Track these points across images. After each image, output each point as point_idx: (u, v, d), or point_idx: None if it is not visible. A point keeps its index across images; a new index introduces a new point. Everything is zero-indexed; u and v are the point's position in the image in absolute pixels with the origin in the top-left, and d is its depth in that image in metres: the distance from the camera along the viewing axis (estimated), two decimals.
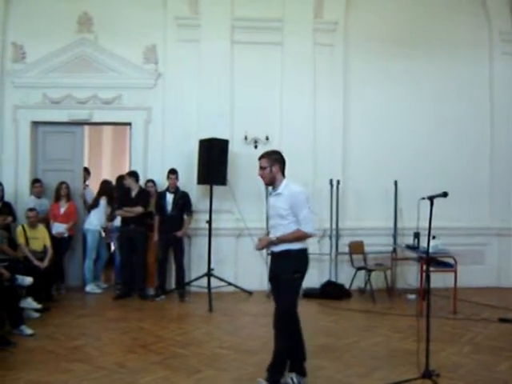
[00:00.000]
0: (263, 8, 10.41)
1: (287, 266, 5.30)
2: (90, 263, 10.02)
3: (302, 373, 5.48)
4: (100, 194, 10.31)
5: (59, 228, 9.76)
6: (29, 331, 7.11)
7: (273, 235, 5.35)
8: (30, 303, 8.05)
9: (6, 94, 10.28)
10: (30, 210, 9.22)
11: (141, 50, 10.40)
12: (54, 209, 9.89)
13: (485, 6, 10.92)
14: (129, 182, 9.73)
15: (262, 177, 5.46)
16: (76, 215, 10.07)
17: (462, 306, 8.77)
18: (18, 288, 7.70)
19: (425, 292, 6.95)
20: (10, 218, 9.32)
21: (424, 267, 8.30)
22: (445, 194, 5.42)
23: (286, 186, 5.33)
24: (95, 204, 10.19)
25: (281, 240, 5.27)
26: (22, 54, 10.27)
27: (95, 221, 10.09)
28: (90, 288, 9.93)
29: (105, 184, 10.54)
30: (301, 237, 5.25)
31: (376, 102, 10.69)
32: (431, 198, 5.44)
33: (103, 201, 10.21)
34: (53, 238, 9.49)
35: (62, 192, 9.89)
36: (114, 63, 10.34)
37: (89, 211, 10.18)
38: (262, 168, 5.42)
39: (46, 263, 8.94)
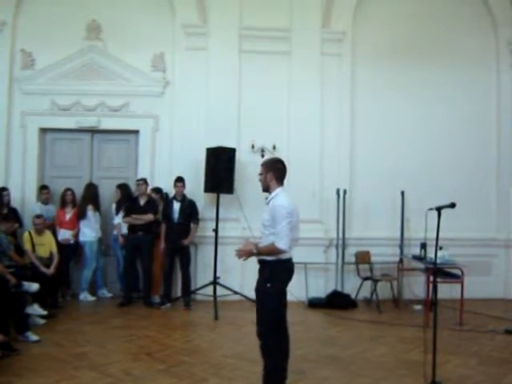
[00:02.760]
0: (271, 17, 10.45)
1: (261, 275, 5.37)
2: (87, 273, 9.98)
3: None
4: (85, 200, 10.03)
5: (65, 234, 9.78)
6: (34, 338, 7.11)
7: (261, 244, 5.36)
8: (36, 309, 8.06)
9: (15, 101, 10.36)
10: (37, 216, 9.24)
11: (149, 57, 10.46)
12: (60, 215, 9.90)
13: (492, 16, 10.92)
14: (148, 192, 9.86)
15: (260, 182, 5.54)
16: (78, 223, 10.00)
17: (468, 317, 8.72)
18: (24, 294, 7.70)
19: (432, 303, 6.94)
20: (16, 225, 9.33)
21: (431, 278, 8.29)
22: (452, 205, 5.41)
23: (274, 196, 5.35)
24: (82, 214, 9.96)
25: (258, 251, 5.28)
26: (31, 61, 10.35)
27: (88, 232, 9.98)
28: (82, 296, 9.93)
29: (89, 188, 10.17)
30: (273, 251, 5.19)
31: (383, 112, 10.71)
32: (439, 209, 5.44)
33: (90, 211, 9.98)
34: (58, 244, 9.51)
35: (68, 198, 9.91)
36: (122, 71, 10.40)
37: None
38: (259, 174, 5.51)
39: (52, 270, 8.95)
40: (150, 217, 9.66)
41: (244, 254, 5.33)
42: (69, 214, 9.92)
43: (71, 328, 7.93)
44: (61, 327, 7.93)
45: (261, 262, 5.36)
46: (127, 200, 9.98)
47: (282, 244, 5.11)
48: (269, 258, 5.27)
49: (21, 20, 10.39)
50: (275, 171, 5.43)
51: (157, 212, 9.81)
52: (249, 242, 5.54)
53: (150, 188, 10.06)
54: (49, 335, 7.39)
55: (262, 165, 5.55)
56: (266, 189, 5.47)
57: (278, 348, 5.41)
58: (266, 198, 5.47)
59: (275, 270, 5.28)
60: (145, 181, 9.88)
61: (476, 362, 6.62)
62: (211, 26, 10.36)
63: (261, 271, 5.39)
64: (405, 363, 6.53)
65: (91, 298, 9.96)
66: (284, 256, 5.25)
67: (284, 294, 5.46)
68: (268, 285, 5.28)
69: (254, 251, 5.27)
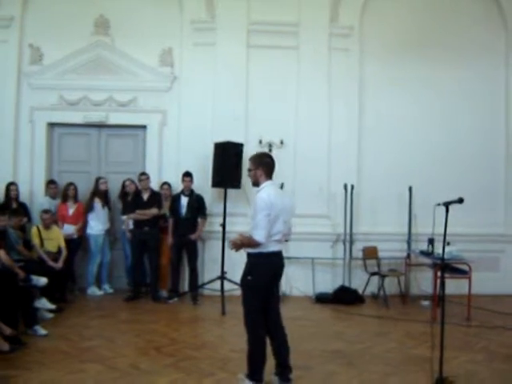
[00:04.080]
0: (279, 12, 10.43)
1: (245, 268, 5.44)
2: (92, 267, 10.02)
3: (283, 378, 5.52)
4: (93, 193, 10.10)
5: (68, 229, 9.79)
6: (43, 331, 7.16)
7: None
8: (44, 304, 8.11)
9: (23, 96, 10.39)
10: (45, 211, 9.26)
11: (157, 52, 10.47)
12: (61, 210, 9.90)
13: (501, 12, 10.85)
14: (144, 183, 9.81)
15: (249, 177, 5.61)
16: (84, 216, 10.04)
17: (476, 313, 8.70)
18: (32, 288, 7.74)
19: (439, 298, 6.93)
20: (25, 219, 9.38)
21: (439, 273, 8.28)
22: (460, 201, 5.39)
23: (259, 190, 5.41)
24: (89, 207, 10.04)
25: (241, 242, 5.36)
26: (39, 56, 10.37)
27: (95, 225, 10.02)
28: (90, 291, 9.99)
29: (97, 182, 10.17)
30: (251, 243, 5.25)
31: (391, 107, 10.67)
32: (447, 204, 5.41)
33: (98, 203, 10.03)
34: None
35: (70, 193, 9.91)
36: (130, 66, 10.41)
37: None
38: (248, 169, 5.56)
39: (60, 264, 8.99)
40: (154, 211, 9.68)
41: (233, 245, 5.45)
42: (72, 209, 9.93)
43: (79, 322, 7.97)
44: (69, 321, 7.98)
45: (247, 254, 5.43)
46: (126, 195, 10.10)
47: (257, 235, 5.16)
48: (251, 251, 5.34)
49: (29, 15, 10.41)
50: (264, 166, 5.47)
51: (161, 206, 9.81)
52: (240, 234, 5.62)
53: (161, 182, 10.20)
54: (57, 329, 7.43)
55: (251, 160, 5.59)
56: (256, 184, 5.53)
57: (259, 340, 5.42)
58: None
59: (256, 263, 5.34)
60: (147, 175, 9.90)
61: (483, 357, 6.61)
62: (219, 21, 10.35)
63: (246, 263, 5.46)
64: (412, 359, 6.53)
65: (99, 293, 9.99)
66: (266, 249, 5.27)
67: (269, 288, 5.47)
68: (249, 277, 5.35)
69: (238, 242, 5.36)
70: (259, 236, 5.16)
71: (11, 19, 10.25)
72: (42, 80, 10.33)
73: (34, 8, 10.41)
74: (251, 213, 5.41)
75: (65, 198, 9.93)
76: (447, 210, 5.39)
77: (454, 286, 8.73)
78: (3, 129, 10.24)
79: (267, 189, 5.37)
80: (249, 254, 5.39)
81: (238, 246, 5.40)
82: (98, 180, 10.11)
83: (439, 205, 5.52)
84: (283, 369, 5.53)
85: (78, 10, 10.35)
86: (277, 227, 5.31)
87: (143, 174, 9.91)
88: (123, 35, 10.40)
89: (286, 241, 5.80)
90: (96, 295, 9.91)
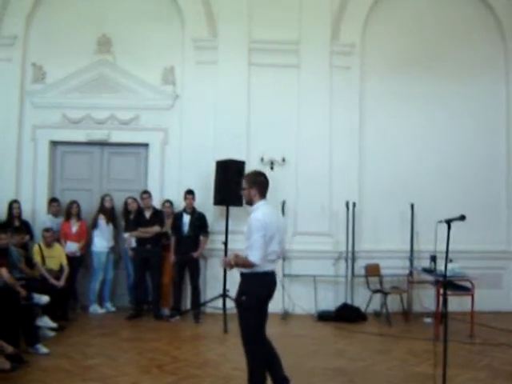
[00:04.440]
0: (280, 30, 10.49)
1: (239, 288, 5.42)
2: (94, 285, 10.00)
3: None
4: (99, 211, 10.14)
5: (72, 247, 9.78)
6: (44, 350, 7.13)
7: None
8: (46, 322, 8.09)
9: (26, 114, 10.45)
10: (47, 230, 9.28)
11: (159, 71, 10.53)
12: (64, 228, 9.91)
13: (501, 28, 10.92)
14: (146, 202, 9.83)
15: (242, 196, 5.59)
16: (87, 234, 10.07)
17: (479, 330, 8.66)
18: (34, 306, 7.74)
19: (442, 316, 6.91)
20: (27, 237, 9.39)
21: (441, 291, 8.27)
22: (462, 218, 5.39)
23: (253, 210, 5.39)
24: (94, 224, 10.08)
25: (235, 263, 5.33)
26: (42, 75, 10.45)
27: (99, 242, 10.03)
28: (92, 309, 9.96)
29: (102, 199, 10.20)
30: (246, 264, 5.22)
31: (392, 124, 10.70)
32: (449, 222, 5.42)
33: (102, 220, 10.06)
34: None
35: (73, 211, 9.94)
36: (132, 84, 10.47)
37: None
38: (242, 188, 5.53)
39: (62, 282, 8.99)
40: (156, 229, 9.68)
41: (225, 264, 5.49)
42: (75, 227, 9.94)
43: (81, 340, 7.94)
44: (70, 340, 7.94)
45: (240, 274, 5.41)
46: (127, 213, 10.13)
47: (253, 256, 5.12)
48: (245, 270, 5.31)
49: (32, 34, 10.51)
50: (258, 186, 5.45)
51: (163, 224, 9.82)
52: (233, 253, 5.59)
53: (162, 200, 10.24)
54: (58, 347, 7.40)
55: (245, 179, 5.58)
56: (249, 202, 5.51)
57: (258, 358, 5.39)
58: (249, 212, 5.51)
59: (250, 283, 5.31)
60: (149, 194, 9.92)
61: (487, 375, 6.57)
62: (220, 39, 10.43)
63: (240, 283, 5.43)
64: (414, 376, 6.50)
65: (101, 311, 9.96)
66: (260, 269, 5.23)
67: (263, 307, 5.44)
68: (243, 297, 5.31)
69: (232, 263, 5.34)
70: (255, 257, 5.12)
71: (14, 38, 10.33)
72: (45, 98, 10.40)
73: (36, 27, 10.51)
74: (246, 232, 5.33)
75: (68, 216, 9.95)
76: (449, 227, 5.39)
77: (457, 303, 8.72)
78: (6, 147, 10.28)
79: (262, 209, 5.35)
80: (243, 274, 5.36)
81: (231, 265, 5.39)
82: (103, 197, 10.14)
83: (441, 222, 5.52)
84: (282, 380, 5.50)
85: (80, 29, 10.43)
86: (272, 247, 5.30)
87: (145, 192, 9.93)
88: (125, 54, 10.49)
89: (280, 258, 5.80)
90: (98, 313, 9.88)
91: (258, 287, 5.32)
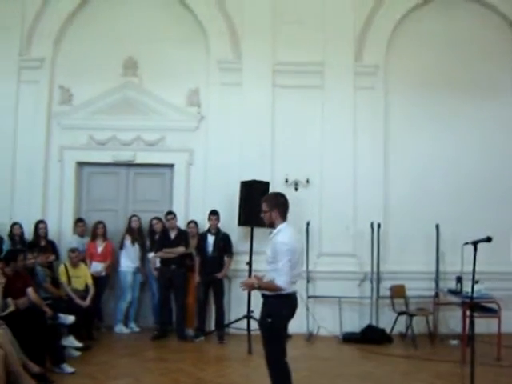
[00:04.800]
0: (304, 52, 10.56)
1: (263, 310, 5.41)
2: (121, 304, 10.06)
3: None
4: (126, 231, 10.25)
5: (97, 267, 9.85)
6: (70, 369, 7.18)
7: (265, 279, 5.41)
8: (71, 341, 8.15)
9: (53, 135, 10.61)
10: (72, 250, 9.36)
11: (184, 92, 10.64)
12: (90, 248, 10.00)
13: None
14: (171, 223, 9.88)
15: (264, 219, 5.55)
16: (113, 254, 10.15)
17: (506, 352, 8.50)
18: (60, 326, 7.79)
19: (469, 338, 6.83)
20: (52, 257, 9.50)
21: (467, 312, 8.18)
22: (489, 239, 5.36)
23: (276, 232, 5.38)
24: (121, 244, 10.17)
25: (259, 286, 5.35)
26: (69, 97, 10.62)
27: (124, 262, 10.09)
28: (117, 329, 10.00)
29: (129, 220, 10.31)
30: (273, 288, 5.24)
31: (417, 144, 10.67)
32: (475, 243, 5.39)
33: (127, 240, 10.13)
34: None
35: (99, 231, 10.03)
36: (158, 106, 10.59)
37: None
38: (263, 211, 5.51)
39: (88, 302, 9.04)
40: (181, 249, 9.72)
41: (247, 286, 5.53)
42: (100, 247, 10.03)
43: (106, 360, 7.97)
44: (95, 359, 7.98)
45: (263, 296, 5.42)
46: (153, 233, 10.18)
47: (281, 282, 5.15)
48: (270, 293, 5.32)
49: (59, 57, 10.72)
50: (279, 208, 5.45)
51: (188, 244, 9.86)
52: (255, 275, 5.68)
53: (187, 221, 10.28)
54: (84, 367, 7.44)
55: (265, 201, 5.55)
56: (271, 225, 5.51)
57: (285, 377, 5.39)
58: (270, 233, 5.51)
59: (276, 305, 5.31)
60: (174, 214, 9.98)
61: None
62: (245, 61, 10.52)
63: (263, 305, 5.44)
64: None
65: (126, 331, 10.00)
66: (284, 291, 5.24)
67: (285, 328, 5.48)
68: (269, 320, 5.31)
69: (256, 286, 5.36)
70: (283, 282, 5.15)
71: (42, 60, 10.53)
72: (72, 120, 10.56)
73: (64, 50, 10.72)
74: (269, 255, 5.35)
75: (94, 237, 10.04)
76: (475, 249, 5.36)
77: (484, 325, 8.57)
78: (33, 167, 10.43)
79: (286, 231, 5.36)
80: (266, 296, 5.38)
81: (253, 288, 5.44)
82: (130, 218, 10.23)
83: (467, 244, 5.49)
84: None
85: (107, 51, 10.61)
86: (297, 270, 5.37)
87: (170, 213, 9.98)
88: (151, 76, 10.63)
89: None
90: (123, 333, 9.92)
91: (283, 309, 5.33)
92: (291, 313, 5.43)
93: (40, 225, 9.84)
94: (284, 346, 5.43)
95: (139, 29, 10.69)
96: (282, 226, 5.40)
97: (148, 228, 10.34)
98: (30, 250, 8.53)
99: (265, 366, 5.39)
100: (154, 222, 10.14)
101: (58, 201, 10.46)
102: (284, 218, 5.46)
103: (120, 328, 9.98)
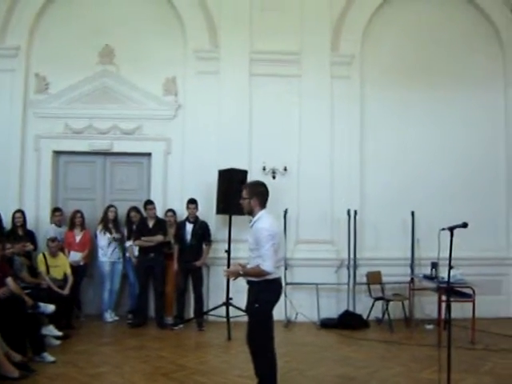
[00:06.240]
0: (281, 41, 10.60)
1: (249, 296, 5.52)
2: (103, 294, 10.11)
3: None
4: (101, 221, 10.22)
5: (75, 256, 9.84)
6: (51, 358, 7.17)
7: (249, 266, 5.50)
8: (51, 330, 8.12)
9: (29, 124, 10.52)
10: (52, 240, 9.34)
11: (161, 81, 10.63)
12: (68, 237, 9.97)
13: (499, 39, 11.02)
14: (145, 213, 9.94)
15: (242, 205, 5.65)
16: (91, 244, 10.15)
17: (480, 336, 8.71)
18: (40, 315, 7.78)
19: (445, 322, 6.97)
20: (30, 246, 9.42)
21: (443, 297, 8.34)
22: (465, 225, 5.46)
23: (257, 219, 5.48)
24: (94, 235, 10.21)
25: (244, 273, 5.46)
26: (45, 85, 10.53)
27: (101, 253, 10.11)
28: (104, 316, 10.04)
29: (104, 210, 10.29)
30: (259, 274, 5.33)
31: (392, 133, 10.80)
32: (451, 229, 5.49)
33: (100, 232, 10.10)
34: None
35: (77, 221, 10.01)
36: (135, 94, 10.56)
37: None
38: (242, 198, 5.60)
39: (67, 291, 9.04)
40: (159, 238, 9.75)
41: (231, 274, 5.62)
42: (78, 237, 10.00)
43: (86, 349, 7.98)
44: (76, 348, 7.99)
45: (249, 282, 5.52)
46: (131, 223, 10.19)
47: (266, 266, 5.26)
48: (255, 279, 5.41)
49: (35, 45, 10.60)
50: (259, 196, 5.55)
51: (166, 233, 9.89)
52: (236, 264, 5.75)
53: (165, 210, 10.31)
54: (64, 356, 7.44)
55: (245, 189, 5.65)
56: (250, 212, 5.60)
57: (270, 363, 5.50)
58: (250, 221, 5.61)
59: (262, 291, 5.42)
60: (154, 204, 10.01)
61: (490, 380, 6.64)
62: (222, 50, 10.54)
63: (249, 292, 5.54)
64: (419, 382, 6.57)
65: (110, 319, 10.01)
66: (270, 277, 5.36)
67: (272, 313, 5.58)
68: (256, 305, 5.42)
69: (241, 272, 5.46)
70: (269, 267, 5.25)
71: (17, 49, 10.41)
72: (48, 109, 10.48)
73: (40, 38, 10.60)
74: (251, 242, 5.45)
75: (72, 226, 10.01)
76: (452, 235, 5.46)
77: (458, 310, 8.76)
78: (9, 157, 10.34)
79: (266, 218, 5.46)
80: (253, 282, 5.46)
81: (238, 275, 5.52)
82: (108, 208, 10.20)
83: (444, 229, 5.59)
84: None
85: (83, 39, 10.53)
86: (279, 255, 5.47)
87: (150, 202, 10.01)
88: (128, 64, 10.58)
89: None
90: (104, 322, 9.92)
91: (269, 294, 5.45)
92: (277, 298, 5.54)
93: (16, 214, 9.75)
94: (271, 332, 5.54)
95: (116, 17, 10.64)
96: (261, 214, 5.50)
97: (125, 217, 10.33)
98: (7, 239, 8.50)
99: (245, 352, 5.47)
100: (133, 214, 10.14)
101: (34, 190, 10.39)
102: (263, 206, 5.56)
103: (105, 316, 10.01)
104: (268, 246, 5.24)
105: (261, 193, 5.58)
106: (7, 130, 10.37)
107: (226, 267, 9.39)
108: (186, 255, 9.68)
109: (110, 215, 10.13)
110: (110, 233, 10.10)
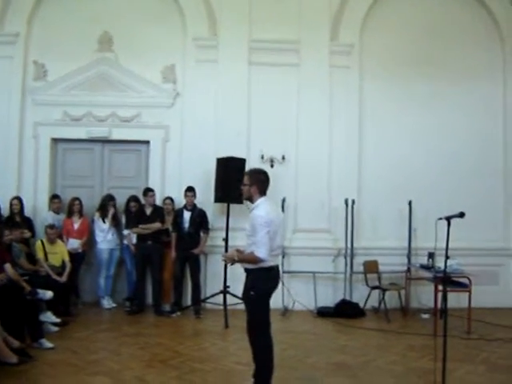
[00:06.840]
0: (280, 30, 10.58)
1: (246, 283, 5.56)
2: (99, 281, 10.15)
3: None
4: (100, 209, 10.23)
5: (74, 244, 9.85)
6: (49, 344, 7.21)
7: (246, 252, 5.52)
8: (49, 317, 8.17)
9: (27, 111, 10.51)
10: (50, 227, 9.35)
11: (160, 69, 10.62)
12: (67, 224, 9.99)
13: (498, 29, 11.01)
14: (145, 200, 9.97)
15: (242, 191, 5.68)
16: (89, 231, 10.16)
17: (476, 325, 8.76)
18: (38, 302, 7.82)
19: (441, 311, 7.00)
20: (28, 233, 9.45)
21: (439, 287, 8.38)
22: (461, 215, 5.47)
23: (254, 207, 5.52)
24: (92, 222, 10.25)
25: (239, 259, 5.48)
26: (44, 72, 10.50)
27: (98, 239, 10.15)
28: (101, 303, 10.10)
29: (102, 198, 10.34)
30: (253, 260, 5.36)
31: (391, 123, 10.81)
32: (448, 219, 5.49)
33: (97, 219, 10.13)
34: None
35: (75, 208, 10.01)
36: (134, 82, 10.55)
37: None
38: (243, 184, 5.64)
39: (64, 278, 9.06)
40: (157, 225, 9.78)
41: (228, 258, 5.62)
42: (77, 224, 10.02)
43: (84, 336, 8.03)
44: (74, 334, 8.03)
45: (246, 270, 5.55)
46: (129, 211, 10.20)
47: (260, 253, 5.27)
48: (251, 266, 5.44)
49: (34, 32, 10.57)
50: (259, 184, 5.58)
51: (163, 220, 9.91)
52: (234, 249, 5.73)
53: (163, 197, 10.33)
54: (63, 342, 7.48)
55: (246, 175, 5.70)
56: (249, 198, 5.64)
57: (267, 350, 5.55)
58: (248, 208, 5.66)
59: (257, 278, 5.44)
60: (154, 192, 10.05)
61: (485, 369, 6.70)
62: (221, 38, 10.52)
63: (246, 279, 5.58)
64: (415, 371, 6.61)
65: (108, 306, 10.05)
66: (266, 264, 5.38)
67: (268, 301, 5.59)
68: (252, 292, 5.46)
69: (236, 258, 5.47)
70: (262, 254, 5.27)
71: (16, 35, 10.38)
72: (46, 96, 10.46)
73: (38, 25, 10.57)
74: (248, 229, 5.48)
75: (70, 213, 10.02)
76: (449, 224, 5.47)
77: (454, 299, 8.83)
78: (7, 144, 10.35)
79: (264, 205, 5.48)
80: (249, 270, 5.50)
81: (234, 260, 5.53)
82: (108, 202, 10.17)
83: (441, 219, 5.60)
84: None
85: (82, 27, 10.48)
86: (276, 242, 5.46)
87: (151, 190, 10.03)
88: (127, 52, 10.55)
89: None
90: (104, 308, 9.98)
91: (265, 281, 5.46)
92: (274, 285, 5.57)
93: (13, 201, 9.74)
94: (268, 318, 5.57)
95: (115, 4, 10.62)
96: (259, 201, 5.52)
97: (124, 206, 10.33)
98: (5, 226, 8.51)
99: (242, 339, 5.51)
100: (132, 204, 10.12)
101: (32, 177, 10.39)
102: (263, 193, 5.58)
103: (102, 303, 10.06)
104: (263, 234, 5.26)
105: (261, 181, 5.60)
106: (5, 117, 10.36)
107: None
108: (184, 243, 9.71)
109: (110, 211, 10.13)
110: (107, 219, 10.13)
